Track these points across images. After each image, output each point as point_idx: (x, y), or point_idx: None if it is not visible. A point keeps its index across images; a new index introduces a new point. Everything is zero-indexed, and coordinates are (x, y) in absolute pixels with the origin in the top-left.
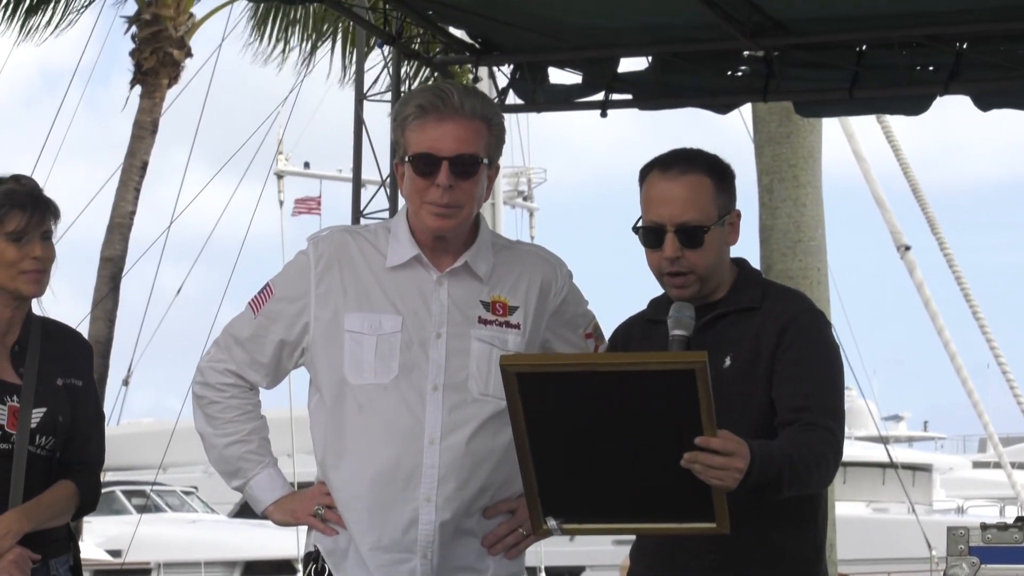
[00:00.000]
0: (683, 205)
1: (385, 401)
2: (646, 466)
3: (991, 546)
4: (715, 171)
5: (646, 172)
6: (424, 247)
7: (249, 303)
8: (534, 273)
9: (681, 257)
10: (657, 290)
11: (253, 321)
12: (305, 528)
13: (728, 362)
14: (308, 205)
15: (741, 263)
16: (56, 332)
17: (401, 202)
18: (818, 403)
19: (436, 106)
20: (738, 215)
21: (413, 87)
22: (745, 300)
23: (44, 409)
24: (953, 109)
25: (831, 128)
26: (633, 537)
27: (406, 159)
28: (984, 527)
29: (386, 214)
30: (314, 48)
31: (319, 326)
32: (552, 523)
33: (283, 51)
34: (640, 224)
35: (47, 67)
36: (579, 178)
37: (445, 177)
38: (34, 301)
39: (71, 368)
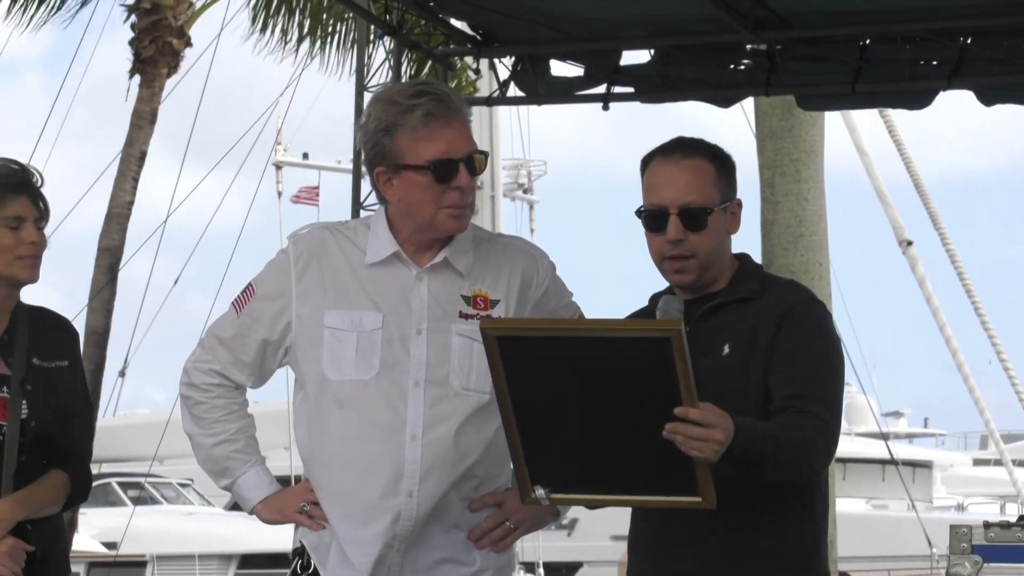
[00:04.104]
0: (685, 187)
1: (366, 397)
2: (628, 437)
3: (994, 545)
4: (716, 157)
5: (648, 160)
6: (404, 243)
7: (232, 303)
8: (515, 266)
9: (684, 240)
10: (657, 282)
11: (236, 321)
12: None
13: (726, 350)
14: (307, 195)
15: (743, 257)
16: (43, 320)
17: None
18: (813, 391)
19: (442, 111)
20: (739, 204)
21: (413, 78)
22: (744, 290)
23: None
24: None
25: (833, 122)
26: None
27: (414, 167)
28: (987, 525)
29: None
30: (313, 39)
31: (301, 324)
32: (540, 492)
33: (284, 41)
34: (643, 208)
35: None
36: (579, 171)
37: (466, 179)
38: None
39: (57, 353)
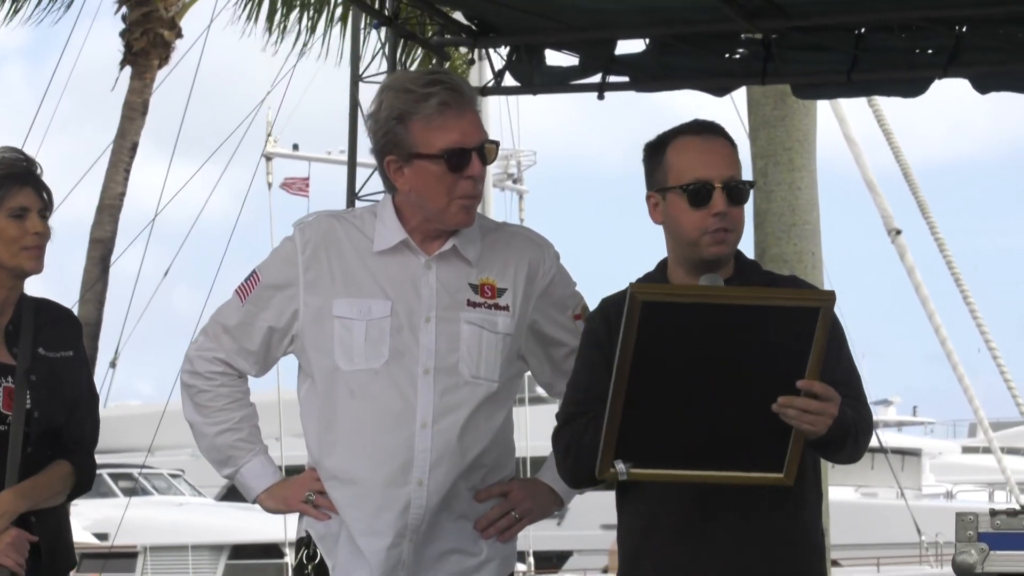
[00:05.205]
0: (726, 162)
1: (376, 386)
2: (735, 409)
3: (1000, 532)
4: (732, 141)
5: (665, 141)
6: (413, 232)
7: (236, 290)
8: (522, 255)
9: (727, 213)
10: (639, 269)
11: (241, 308)
12: (297, 513)
13: None
14: (296, 185)
15: (736, 253)
16: (48, 311)
17: None
18: (852, 381)
19: (456, 100)
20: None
21: (409, 68)
22: (755, 280)
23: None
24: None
25: (823, 112)
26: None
27: (427, 156)
28: (993, 513)
29: (380, 197)
30: (305, 26)
31: (308, 312)
32: (620, 467)
33: (275, 28)
34: (686, 185)
35: None
36: (566, 161)
37: (478, 168)
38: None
39: (62, 344)
